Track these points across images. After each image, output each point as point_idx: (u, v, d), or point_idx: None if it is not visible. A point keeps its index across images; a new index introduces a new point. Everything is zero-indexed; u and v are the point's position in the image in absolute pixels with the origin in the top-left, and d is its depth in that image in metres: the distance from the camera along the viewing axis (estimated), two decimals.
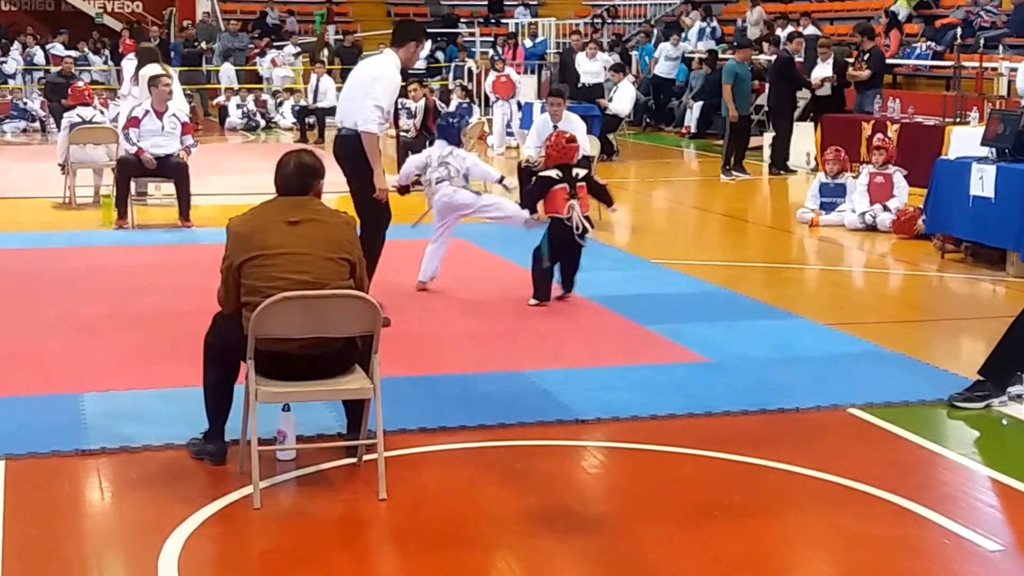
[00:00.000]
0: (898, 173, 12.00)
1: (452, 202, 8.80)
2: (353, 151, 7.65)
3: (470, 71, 24.37)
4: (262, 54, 26.70)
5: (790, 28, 21.23)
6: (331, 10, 30.42)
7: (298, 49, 26.77)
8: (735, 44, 19.33)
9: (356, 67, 8.40)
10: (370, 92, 7.61)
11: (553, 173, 8.33)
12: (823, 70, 16.87)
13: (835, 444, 5.78)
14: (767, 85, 17.73)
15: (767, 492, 5.19)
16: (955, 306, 9.20)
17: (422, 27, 9.14)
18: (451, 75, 23.62)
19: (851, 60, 16.91)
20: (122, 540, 4.72)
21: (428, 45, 23.20)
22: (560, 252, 8.31)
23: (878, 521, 4.81)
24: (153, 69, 13.58)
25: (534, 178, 8.61)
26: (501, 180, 9.19)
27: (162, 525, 4.68)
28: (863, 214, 11.79)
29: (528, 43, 25.73)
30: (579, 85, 19.75)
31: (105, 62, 27.18)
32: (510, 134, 19.67)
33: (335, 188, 12.54)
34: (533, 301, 8.22)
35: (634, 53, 25.28)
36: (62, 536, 4.66)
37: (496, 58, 21.81)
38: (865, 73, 16.35)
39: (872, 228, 11.67)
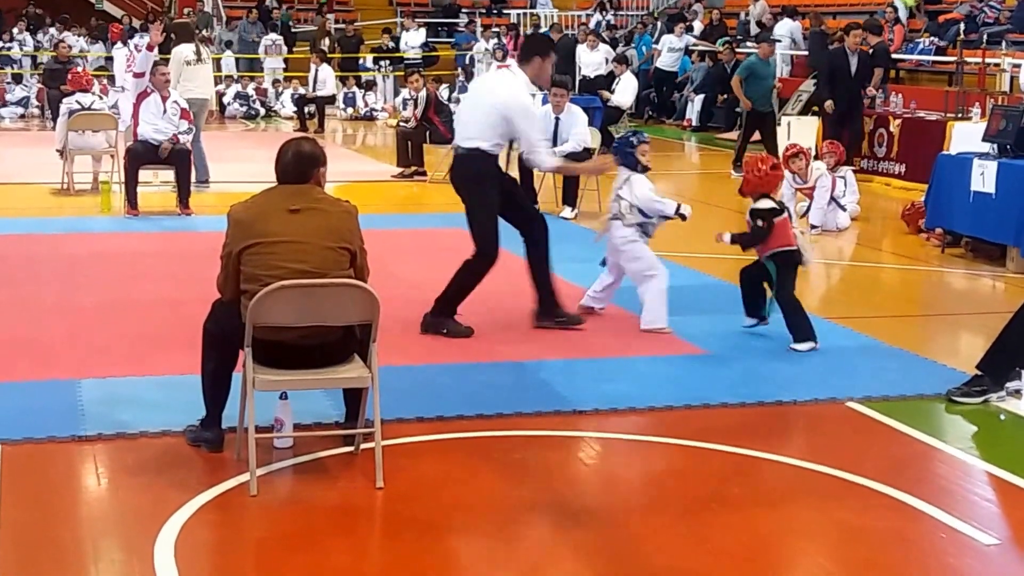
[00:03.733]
0: (822, 177, 11.46)
1: (612, 243, 7.71)
2: (470, 171, 7.37)
3: (472, 60, 24.31)
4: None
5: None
6: None
7: (281, 37, 26.64)
8: (737, 39, 19.22)
9: (480, 84, 8.12)
10: (528, 131, 7.29)
11: (773, 204, 7.41)
12: None
13: (833, 437, 5.79)
14: (816, 82, 16.39)
15: (764, 484, 5.19)
16: (954, 301, 9.20)
17: (546, 40, 8.55)
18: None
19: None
20: (118, 526, 4.71)
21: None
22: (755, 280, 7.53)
23: (875, 514, 4.82)
24: (187, 50, 13.45)
25: (753, 215, 7.45)
26: (678, 210, 7.71)
27: (158, 511, 4.68)
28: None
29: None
30: (579, 77, 19.72)
31: (101, 46, 27.09)
32: None
33: (337, 177, 12.64)
34: (809, 344, 7.11)
35: (634, 49, 25.22)
36: (58, 521, 4.66)
37: (498, 48, 21.77)
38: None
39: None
